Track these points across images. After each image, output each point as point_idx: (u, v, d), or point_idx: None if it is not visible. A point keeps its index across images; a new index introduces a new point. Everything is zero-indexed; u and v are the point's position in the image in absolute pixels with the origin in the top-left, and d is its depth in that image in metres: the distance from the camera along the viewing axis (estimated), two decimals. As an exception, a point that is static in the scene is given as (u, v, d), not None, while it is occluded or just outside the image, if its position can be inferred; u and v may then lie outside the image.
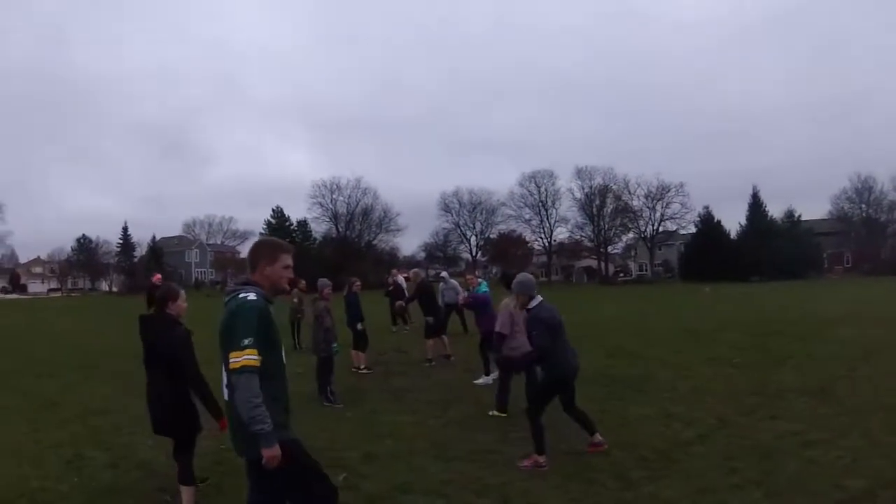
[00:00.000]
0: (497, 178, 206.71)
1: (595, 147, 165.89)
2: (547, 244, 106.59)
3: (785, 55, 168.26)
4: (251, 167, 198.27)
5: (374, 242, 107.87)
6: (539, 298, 8.02)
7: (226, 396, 4.22)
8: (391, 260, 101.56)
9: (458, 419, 10.24)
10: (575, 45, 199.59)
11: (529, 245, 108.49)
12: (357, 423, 10.22)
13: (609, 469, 7.36)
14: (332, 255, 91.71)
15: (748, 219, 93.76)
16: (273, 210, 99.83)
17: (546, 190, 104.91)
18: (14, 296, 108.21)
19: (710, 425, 9.20)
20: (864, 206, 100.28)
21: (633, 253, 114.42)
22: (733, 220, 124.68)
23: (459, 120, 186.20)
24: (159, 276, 32.30)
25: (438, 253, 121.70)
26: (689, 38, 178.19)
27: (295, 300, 20.47)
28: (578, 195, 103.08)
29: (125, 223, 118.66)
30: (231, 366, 3.91)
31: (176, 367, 6.18)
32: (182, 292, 6.81)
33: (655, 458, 7.74)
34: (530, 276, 8.29)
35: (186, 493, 6.32)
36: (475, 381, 13.31)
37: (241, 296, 4.10)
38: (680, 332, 21.41)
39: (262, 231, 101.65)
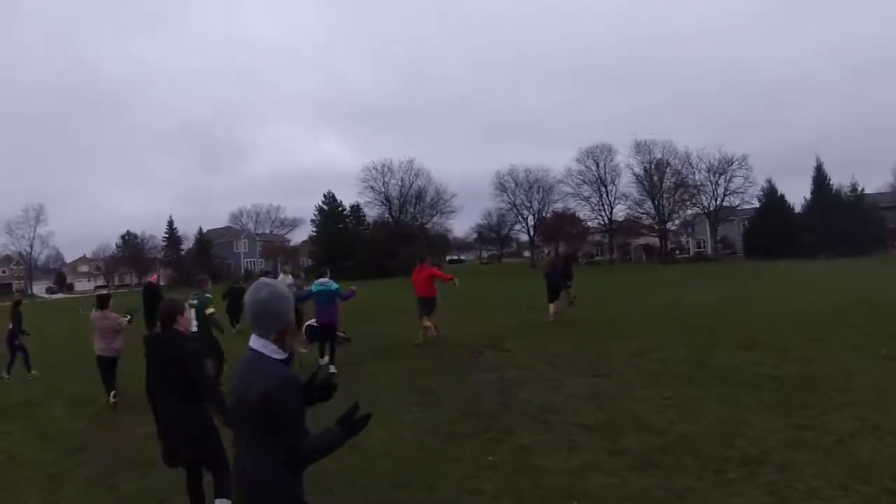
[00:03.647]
0: (550, 157, 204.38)
1: (654, 122, 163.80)
2: (607, 221, 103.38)
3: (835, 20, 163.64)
4: (291, 158, 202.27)
5: (427, 225, 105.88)
6: None
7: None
8: (443, 242, 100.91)
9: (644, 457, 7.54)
10: (627, 24, 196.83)
11: (584, 223, 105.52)
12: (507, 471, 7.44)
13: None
14: (385, 238, 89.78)
15: (813, 193, 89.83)
16: (324, 196, 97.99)
17: (605, 166, 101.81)
18: (60, 295, 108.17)
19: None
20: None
21: (690, 230, 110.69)
22: (797, 193, 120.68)
23: (499, 101, 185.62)
24: (156, 275, 32.75)
25: (491, 234, 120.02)
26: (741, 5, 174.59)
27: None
28: (638, 170, 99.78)
29: (170, 217, 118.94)
30: None
31: (191, 388, 5.90)
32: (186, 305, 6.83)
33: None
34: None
35: None
36: None
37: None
38: (798, 317, 19.27)
39: (314, 217, 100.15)
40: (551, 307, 21.14)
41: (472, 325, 20.83)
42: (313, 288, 15.29)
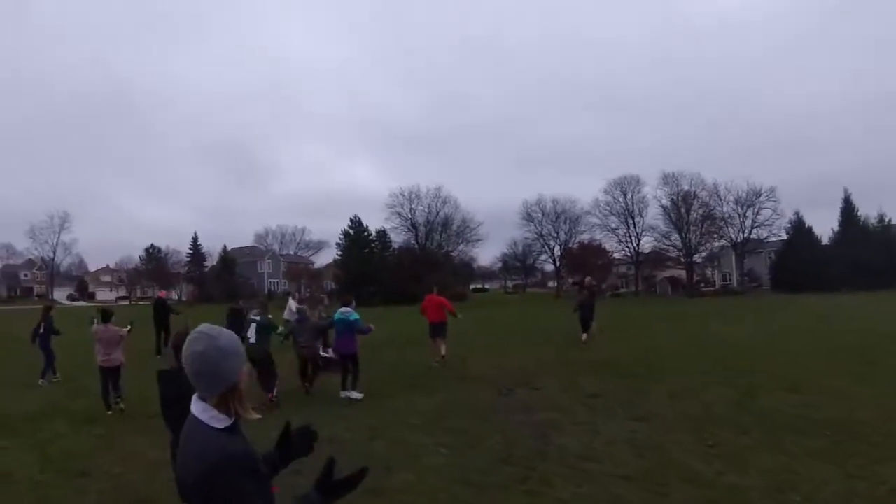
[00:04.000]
0: (578, 187, 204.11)
1: (682, 153, 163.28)
2: (634, 254, 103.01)
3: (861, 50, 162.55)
4: (318, 180, 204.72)
5: (453, 253, 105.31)
6: None
7: None
8: (468, 271, 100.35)
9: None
10: (656, 54, 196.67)
11: (610, 255, 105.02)
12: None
13: None
14: (410, 264, 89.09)
15: (840, 224, 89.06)
16: (351, 220, 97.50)
17: (632, 197, 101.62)
18: (81, 303, 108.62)
19: None
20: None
21: (716, 262, 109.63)
22: (825, 225, 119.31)
23: (528, 130, 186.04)
24: (164, 292, 33.69)
25: (516, 263, 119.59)
26: (766, 37, 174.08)
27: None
28: (665, 202, 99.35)
29: (195, 234, 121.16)
30: None
31: None
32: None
33: None
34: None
35: None
36: None
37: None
38: (834, 353, 18.80)
39: (339, 241, 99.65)
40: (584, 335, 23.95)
41: (500, 359, 20.09)
42: (336, 316, 15.05)
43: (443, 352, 19.31)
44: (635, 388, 14.11)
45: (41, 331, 18.43)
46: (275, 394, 14.00)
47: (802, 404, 11.98)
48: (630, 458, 8.96)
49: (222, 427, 2.69)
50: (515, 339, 27.09)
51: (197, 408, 2.75)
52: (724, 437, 9.83)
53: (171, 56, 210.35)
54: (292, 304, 22.20)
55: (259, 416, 2.84)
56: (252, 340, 14.30)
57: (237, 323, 20.38)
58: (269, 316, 15.36)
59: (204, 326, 2.82)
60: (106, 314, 14.43)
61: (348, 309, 14.95)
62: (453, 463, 8.97)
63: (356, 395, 14.08)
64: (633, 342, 24.18)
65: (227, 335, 2.83)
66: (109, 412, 13.33)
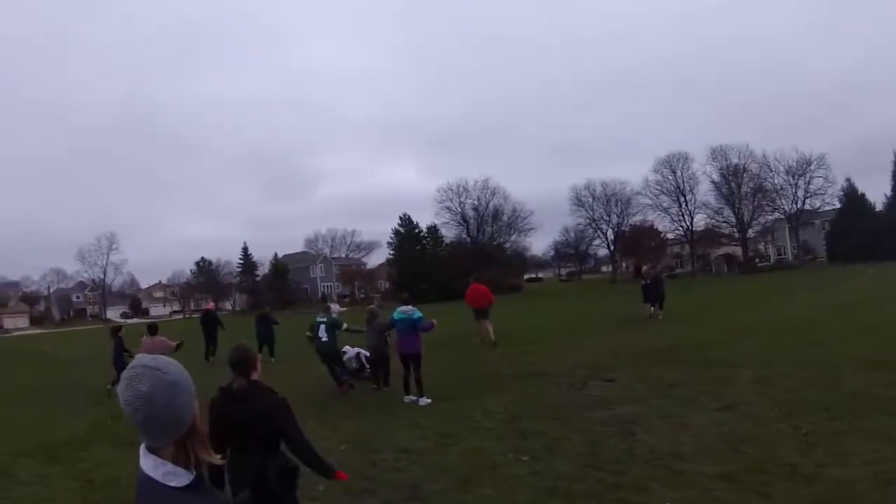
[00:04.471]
0: (625, 170, 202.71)
1: (726, 127, 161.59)
2: (688, 232, 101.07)
3: None
4: (364, 183, 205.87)
5: (506, 244, 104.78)
6: None
7: None
8: (521, 261, 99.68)
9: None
10: (695, 29, 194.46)
11: (663, 235, 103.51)
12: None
13: None
14: (463, 258, 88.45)
15: (893, 189, 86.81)
16: (400, 218, 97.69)
17: (682, 174, 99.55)
18: (135, 320, 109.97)
19: None
20: None
21: (770, 237, 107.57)
22: (878, 190, 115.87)
23: (570, 117, 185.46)
24: (212, 304, 34.81)
25: (569, 250, 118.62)
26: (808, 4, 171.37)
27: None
28: (715, 177, 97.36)
29: (244, 244, 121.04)
30: None
31: (276, 442, 5.33)
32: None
33: None
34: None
35: None
36: None
37: None
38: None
39: (390, 240, 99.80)
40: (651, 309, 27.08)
41: (566, 350, 19.53)
42: (395, 315, 14.47)
43: (490, 333, 22.32)
44: (714, 375, 13.40)
45: (115, 350, 18.72)
46: (348, 383, 16.05)
47: (890, 384, 11.19)
48: (725, 453, 8.33)
49: (184, 485, 2.19)
50: (578, 329, 26.57)
51: (147, 463, 2.22)
52: (817, 424, 9.18)
53: (201, 76, 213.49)
54: (335, 307, 22.35)
55: (222, 461, 2.29)
56: (324, 339, 16.38)
57: (267, 328, 24.07)
58: (334, 315, 17.31)
59: (145, 358, 2.29)
60: (152, 327, 16.16)
61: (409, 307, 14.47)
62: (535, 471, 8.32)
63: (424, 400, 13.59)
64: (701, 325, 23.58)
65: (173, 365, 2.31)
66: None
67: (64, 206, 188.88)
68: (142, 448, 2.22)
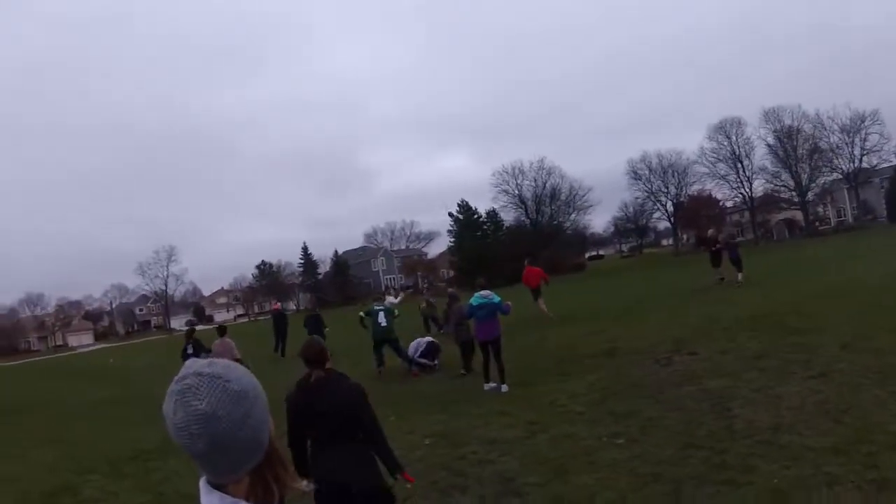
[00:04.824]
0: (681, 140, 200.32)
1: (777, 88, 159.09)
2: (747, 199, 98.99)
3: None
4: (417, 176, 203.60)
5: (566, 223, 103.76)
6: None
7: None
8: (581, 240, 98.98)
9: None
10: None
11: (722, 203, 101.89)
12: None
13: None
14: (524, 241, 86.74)
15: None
16: (458, 205, 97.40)
17: (737, 140, 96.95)
18: (200, 327, 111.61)
19: None
20: None
21: (829, 198, 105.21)
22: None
23: (621, 90, 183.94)
24: (278, 304, 36.98)
25: (629, 225, 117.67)
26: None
27: (423, 304, 28.22)
28: (770, 140, 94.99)
29: (304, 244, 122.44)
30: None
31: (356, 431, 5.42)
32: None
33: None
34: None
35: None
36: None
37: None
38: None
39: (450, 228, 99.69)
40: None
41: (642, 326, 19.34)
42: (473, 301, 14.08)
43: (544, 308, 25.44)
44: (800, 343, 13.00)
45: (189, 351, 19.36)
46: (435, 363, 17.87)
47: None
48: (827, 424, 8.04)
49: None
50: (650, 303, 26.27)
51: (211, 501, 1.67)
52: (915, 390, 8.81)
53: (246, 84, 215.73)
54: (391, 299, 25.55)
55: (307, 488, 1.88)
56: (383, 324, 18.47)
57: (318, 327, 24.97)
58: (390, 302, 20.92)
59: (197, 364, 1.69)
60: (221, 329, 17.47)
61: (487, 292, 14.18)
62: (633, 454, 8.05)
63: (505, 387, 13.39)
64: (773, 292, 22.99)
65: (237, 369, 1.72)
66: None
67: (121, 223, 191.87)
68: (202, 483, 1.69)
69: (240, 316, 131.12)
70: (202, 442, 1.56)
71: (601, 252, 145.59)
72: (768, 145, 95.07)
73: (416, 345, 18.59)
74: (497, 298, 13.96)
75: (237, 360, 13.28)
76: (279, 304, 39.87)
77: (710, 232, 32.82)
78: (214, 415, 1.56)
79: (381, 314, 18.60)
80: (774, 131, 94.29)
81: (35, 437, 16.65)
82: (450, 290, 18.51)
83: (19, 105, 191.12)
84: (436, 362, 18.09)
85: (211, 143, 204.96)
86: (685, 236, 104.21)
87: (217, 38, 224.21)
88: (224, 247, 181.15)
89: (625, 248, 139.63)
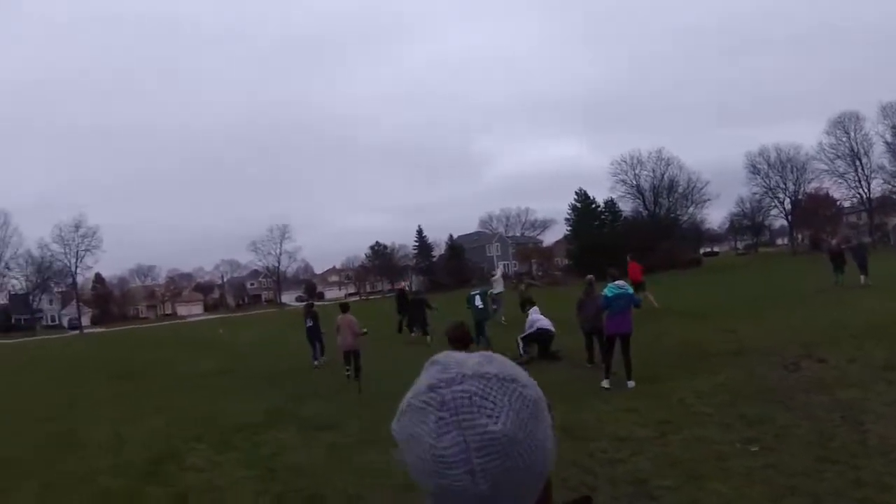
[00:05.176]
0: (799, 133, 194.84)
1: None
2: (865, 200, 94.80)
3: None
4: (534, 162, 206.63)
5: (682, 216, 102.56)
6: None
7: None
8: (696, 234, 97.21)
9: None
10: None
11: (838, 203, 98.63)
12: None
13: None
14: (641, 233, 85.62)
15: None
16: (576, 193, 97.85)
17: (855, 136, 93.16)
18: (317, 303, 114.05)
19: None
20: None
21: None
22: None
23: (739, 78, 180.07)
24: (402, 284, 38.86)
25: (745, 221, 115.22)
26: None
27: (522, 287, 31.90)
28: (888, 137, 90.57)
29: (419, 226, 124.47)
30: None
31: None
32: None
33: None
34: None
35: None
36: None
37: None
38: None
39: (568, 216, 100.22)
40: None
41: (768, 326, 19.15)
42: (608, 292, 13.75)
43: (652, 299, 26.97)
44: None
45: (310, 324, 21.50)
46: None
47: None
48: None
49: None
50: (772, 304, 25.84)
51: None
52: None
53: (361, 77, 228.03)
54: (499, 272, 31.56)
55: None
56: (480, 306, 20.77)
57: (405, 305, 28.71)
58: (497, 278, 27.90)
59: (470, 362, 1.06)
60: (344, 306, 18.00)
61: (622, 282, 14.05)
62: (768, 463, 7.95)
63: (631, 383, 13.27)
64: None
65: (520, 370, 1.11)
66: (348, 374, 16.90)
67: (236, 205, 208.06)
68: None
69: (350, 294, 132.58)
70: (487, 481, 0.96)
71: (716, 248, 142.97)
72: (886, 142, 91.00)
73: (531, 322, 18.61)
74: (630, 290, 13.93)
75: (363, 334, 15.72)
76: (403, 284, 42.07)
77: (835, 241, 33.87)
78: (514, 439, 0.98)
79: (478, 298, 21.00)
80: (893, 126, 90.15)
81: (147, 403, 17.22)
82: (589, 276, 17.98)
83: (152, 108, 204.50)
84: (526, 354, 17.81)
85: (329, 135, 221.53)
86: (800, 236, 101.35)
87: (336, 36, 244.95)
88: (338, 230, 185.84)
89: (740, 245, 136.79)
